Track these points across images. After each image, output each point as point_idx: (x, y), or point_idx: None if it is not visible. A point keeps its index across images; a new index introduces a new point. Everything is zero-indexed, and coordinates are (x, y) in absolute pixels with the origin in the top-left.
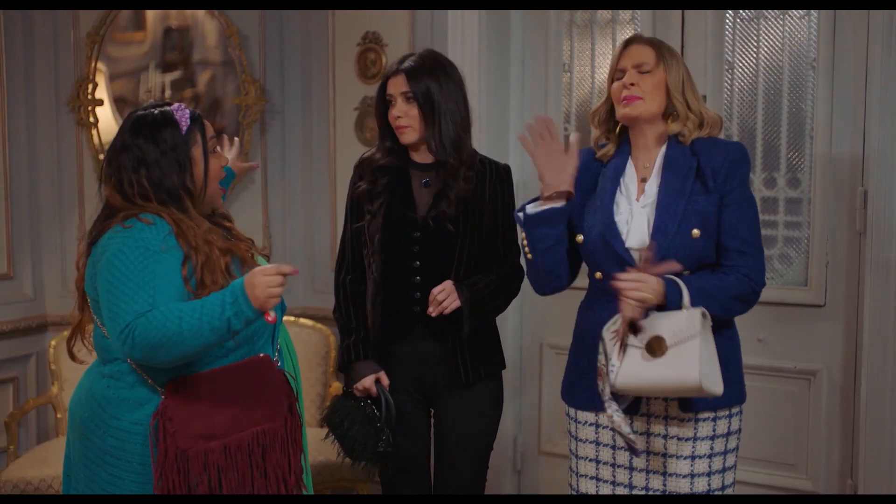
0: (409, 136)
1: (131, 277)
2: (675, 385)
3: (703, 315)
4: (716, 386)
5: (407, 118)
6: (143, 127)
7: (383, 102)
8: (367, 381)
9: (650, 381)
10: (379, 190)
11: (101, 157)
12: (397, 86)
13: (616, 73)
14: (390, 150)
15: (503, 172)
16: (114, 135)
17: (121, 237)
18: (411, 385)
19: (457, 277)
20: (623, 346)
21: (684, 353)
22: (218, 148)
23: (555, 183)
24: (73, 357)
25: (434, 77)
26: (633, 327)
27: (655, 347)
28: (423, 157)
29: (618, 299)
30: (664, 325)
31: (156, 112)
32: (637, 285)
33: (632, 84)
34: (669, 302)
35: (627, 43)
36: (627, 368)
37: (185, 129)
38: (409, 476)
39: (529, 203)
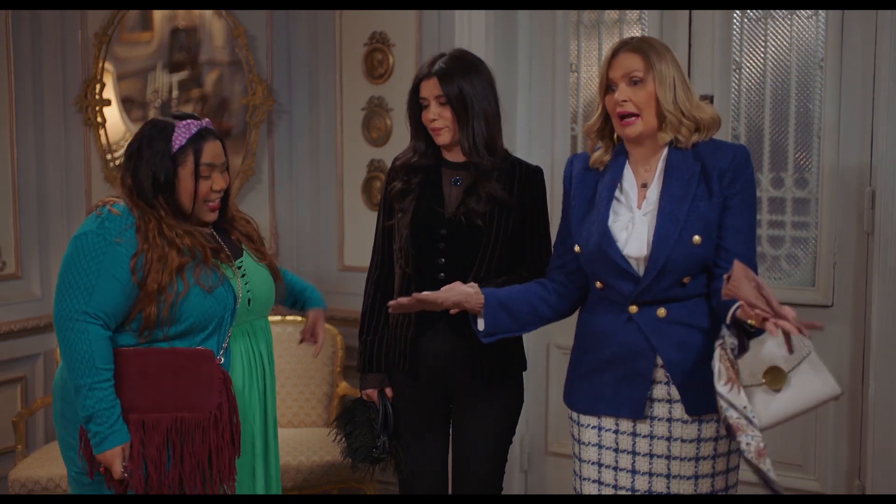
0: (445, 136)
1: (81, 267)
2: (816, 404)
3: None
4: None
5: (442, 120)
6: (148, 130)
7: (416, 104)
8: (372, 392)
9: (789, 411)
10: (411, 188)
11: (109, 156)
12: (430, 89)
13: (608, 83)
14: (424, 151)
15: (533, 174)
16: (121, 135)
17: (89, 222)
18: (432, 379)
19: (477, 277)
20: (740, 388)
21: (809, 373)
22: (216, 174)
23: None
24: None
25: (466, 78)
26: (735, 352)
27: (775, 379)
28: (455, 156)
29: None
30: (769, 353)
31: (167, 120)
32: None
33: (625, 100)
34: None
35: (615, 52)
36: (763, 410)
37: (176, 148)
38: (425, 474)
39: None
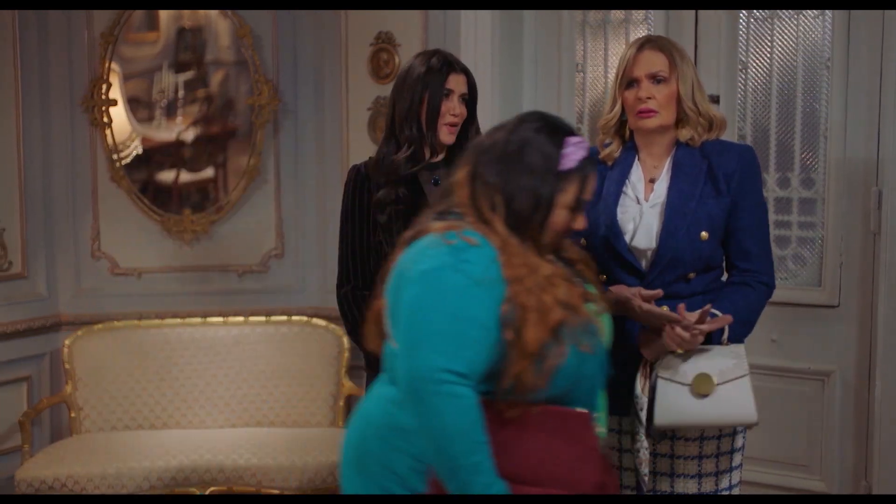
0: (454, 134)
1: (443, 312)
2: (727, 421)
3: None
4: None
5: (460, 116)
6: (535, 130)
7: (437, 93)
8: None
9: (697, 417)
10: (392, 198)
11: (115, 156)
12: (459, 84)
13: (629, 80)
14: (414, 154)
15: None
16: (127, 135)
17: (442, 254)
18: None
19: None
20: (646, 380)
21: (736, 391)
22: (582, 214)
23: None
24: (366, 349)
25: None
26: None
27: (702, 385)
28: (436, 155)
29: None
30: (709, 362)
31: (559, 123)
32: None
33: (649, 98)
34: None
35: (639, 48)
36: (672, 405)
37: (565, 166)
38: None
39: None
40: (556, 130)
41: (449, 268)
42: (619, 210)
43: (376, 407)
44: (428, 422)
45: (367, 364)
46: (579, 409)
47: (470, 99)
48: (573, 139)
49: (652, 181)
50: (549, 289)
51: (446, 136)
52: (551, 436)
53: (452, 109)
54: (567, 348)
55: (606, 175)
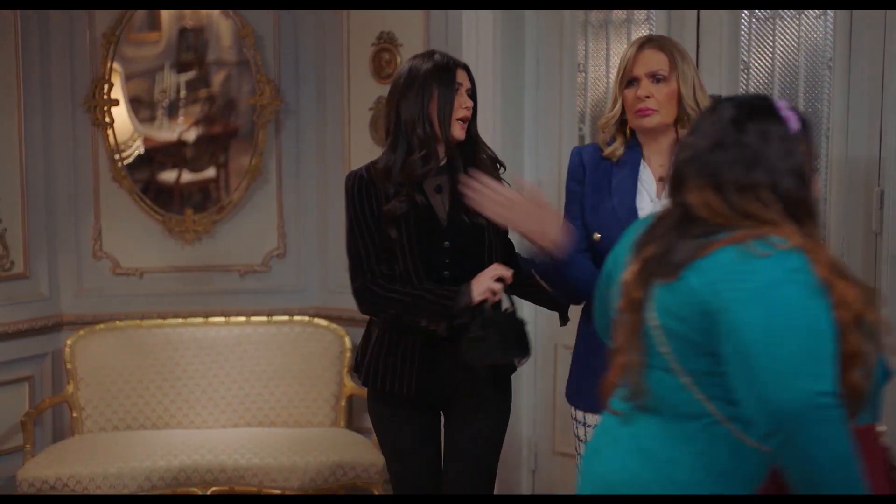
0: (465, 130)
1: (799, 331)
2: None
3: None
4: None
5: (470, 110)
6: (747, 118)
7: (449, 87)
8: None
9: None
10: (403, 211)
11: (117, 156)
12: (465, 79)
13: (629, 79)
14: (427, 155)
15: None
16: (129, 135)
17: (768, 268)
18: (423, 389)
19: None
20: None
21: None
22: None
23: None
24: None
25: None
26: None
27: None
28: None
29: None
30: None
31: (758, 102)
32: None
33: (647, 97)
34: None
35: (640, 47)
36: None
37: (794, 130)
38: (421, 478)
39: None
40: (761, 103)
41: (785, 281)
42: (637, 208)
43: (669, 452)
44: (811, 454)
45: (365, 386)
46: (870, 424)
47: (472, 94)
48: (778, 102)
49: (661, 180)
50: (847, 280)
51: (458, 131)
52: (867, 456)
53: (465, 103)
54: (872, 346)
55: (613, 172)
